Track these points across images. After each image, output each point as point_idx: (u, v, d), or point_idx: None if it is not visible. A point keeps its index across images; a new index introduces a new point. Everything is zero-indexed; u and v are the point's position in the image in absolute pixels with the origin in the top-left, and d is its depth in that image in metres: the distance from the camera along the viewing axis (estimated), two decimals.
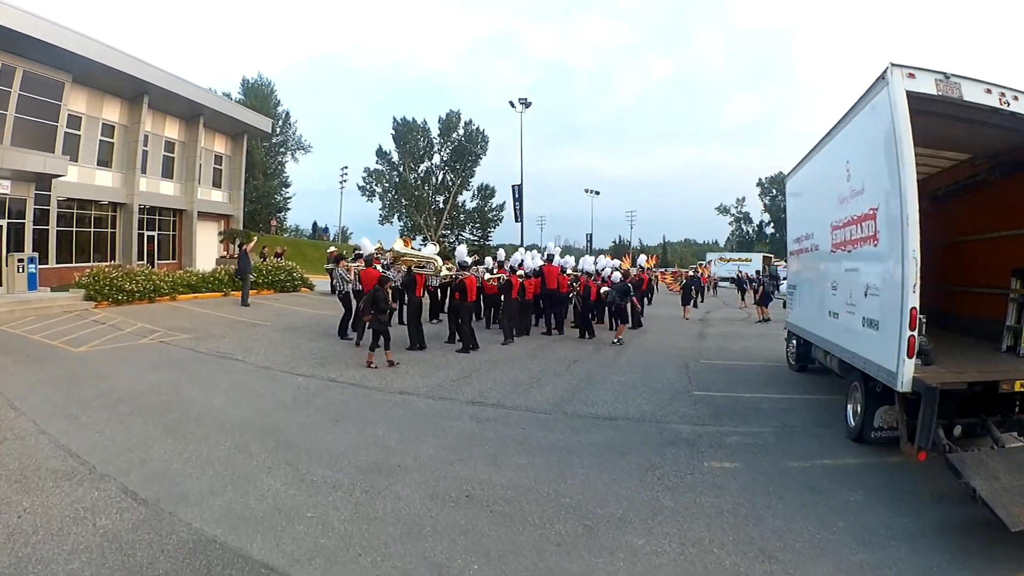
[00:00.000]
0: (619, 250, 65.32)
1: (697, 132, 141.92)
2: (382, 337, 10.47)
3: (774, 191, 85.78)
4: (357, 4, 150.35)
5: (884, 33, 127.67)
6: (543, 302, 15.82)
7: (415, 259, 13.61)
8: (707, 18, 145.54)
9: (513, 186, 51.87)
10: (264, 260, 24.67)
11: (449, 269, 15.12)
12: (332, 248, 28.09)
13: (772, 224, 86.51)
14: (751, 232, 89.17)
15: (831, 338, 8.14)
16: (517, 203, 51.09)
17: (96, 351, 10.94)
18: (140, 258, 26.47)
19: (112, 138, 25.17)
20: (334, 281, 16.00)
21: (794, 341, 11.02)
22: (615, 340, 14.07)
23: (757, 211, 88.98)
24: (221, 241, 29.21)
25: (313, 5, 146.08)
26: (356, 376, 9.69)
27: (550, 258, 16.42)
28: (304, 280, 24.21)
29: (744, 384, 10.23)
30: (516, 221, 51.57)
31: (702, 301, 28.38)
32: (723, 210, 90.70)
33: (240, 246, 19.13)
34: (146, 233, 27.37)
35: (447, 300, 15.18)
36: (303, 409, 7.70)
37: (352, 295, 13.28)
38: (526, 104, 46.22)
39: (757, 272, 36.86)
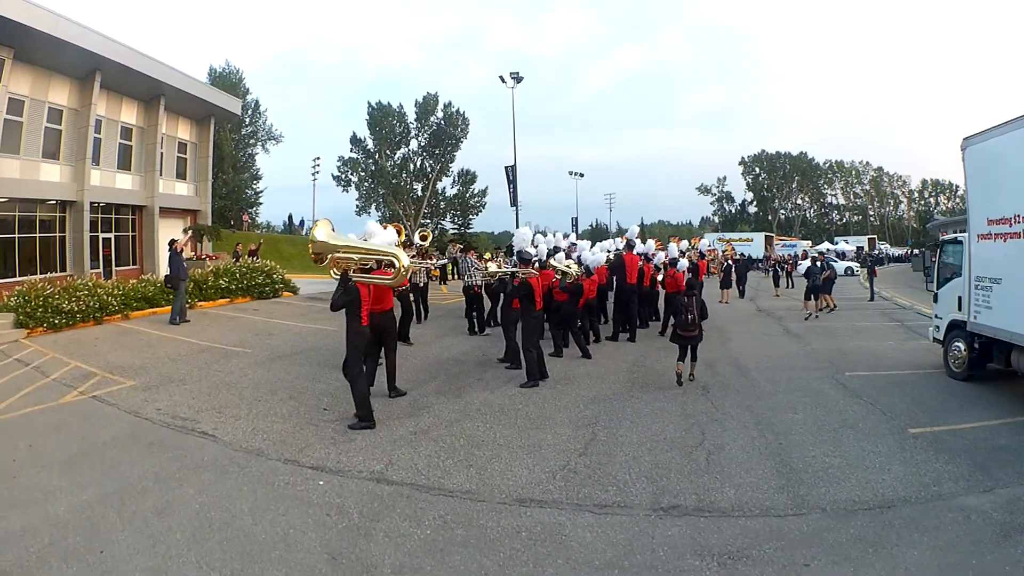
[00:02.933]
0: (597, 234, 61.98)
1: (666, 118, 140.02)
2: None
3: (756, 169, 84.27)
4: (316, 1, 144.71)
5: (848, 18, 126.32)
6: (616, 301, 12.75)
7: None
8: (673, 6, 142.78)
9: (506, 168, 47.68)
10: (237, 260, 20.34)
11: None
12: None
13: (754, 203, 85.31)
14: (733, 211, 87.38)
15: None
16: (511, 186, 47.16)
17: None
18: (95, 265, 22.26)
19: (60, 124, 20.78)
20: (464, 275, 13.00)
21: (959, 344, 9.02)
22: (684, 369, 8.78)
23: (738, 190, 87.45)
24: (187, 240, 24.60)
25: (273, 3, 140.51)
26: (419, 460, 5.86)
27: (630, 245, 12.87)
28: (286, 282, 19.75)
29: (939, 406, 7.77)
30: (511, 206, 47.51)
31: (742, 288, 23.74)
32: (704, 190, 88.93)
33: (171, 244, 14.44)
34: (101, 235, 23.02)
35: (499, 307, 11.72)
36: None
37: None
38: (517, 79, 42.46)
39: (792, 255, 32.68)
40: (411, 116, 62.81)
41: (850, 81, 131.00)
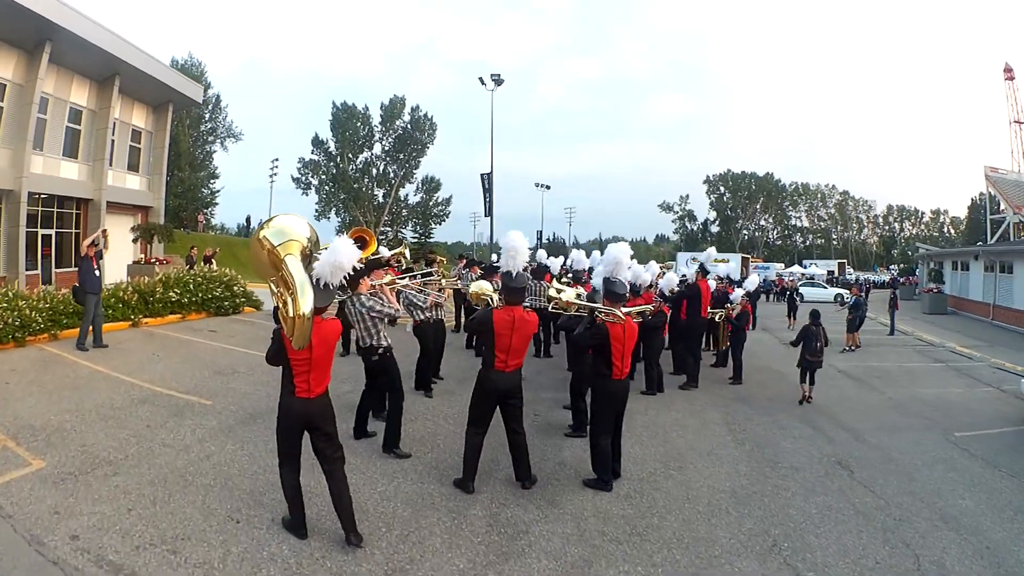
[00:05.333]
0: (554, 248, 60.05)
1: (628, 132, 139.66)
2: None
3: (721, 188, 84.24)
4: (275, 12, 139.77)
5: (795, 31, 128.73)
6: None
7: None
8: (627, 19, 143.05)
9: (482, 175, 45.52)
10: (191, 268, 17.05)
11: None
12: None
13: (717, 222, 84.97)
14: (695, 230, 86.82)
15: None
16: (487, 195, 45.00)
17: None
18: (32, 266, 19.17)
19: (1, 101, 17.67)
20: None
21: None
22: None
23: (701, 209, 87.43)
24: (136, 240, 21.34)
25: (234, 13, 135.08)
26: None
27: (704, 270, 10.79)
28: (247, 296, 16.22)
29: None
30: (486, 215, 45.52)
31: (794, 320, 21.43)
32: (666, 207, 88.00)
33: (83, 254, 10.92)
34: (40, 231, 19.69)
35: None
36: None
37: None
38: (498, 81, 40.56)
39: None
40: (376, 119, 60.46)
41: (818, 105, 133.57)
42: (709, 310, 10.77)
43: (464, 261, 14.03)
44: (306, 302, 3.82)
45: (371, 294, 6.31)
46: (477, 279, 9.66)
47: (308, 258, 4.07)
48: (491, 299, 5.90)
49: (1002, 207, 42.70)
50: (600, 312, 5.77)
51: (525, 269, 6.26)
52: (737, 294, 11.44)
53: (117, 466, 5.53)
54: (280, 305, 4.06)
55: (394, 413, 6.28)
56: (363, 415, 6.77)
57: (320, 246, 4.40)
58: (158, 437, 6.34)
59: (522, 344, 5.40)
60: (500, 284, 5.61)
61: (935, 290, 29.00)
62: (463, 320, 13.04)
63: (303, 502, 4.48)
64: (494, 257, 17.80)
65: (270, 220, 4.13)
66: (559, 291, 6.92)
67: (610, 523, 5.02)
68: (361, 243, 10.32)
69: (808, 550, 4.80)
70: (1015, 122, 44.51)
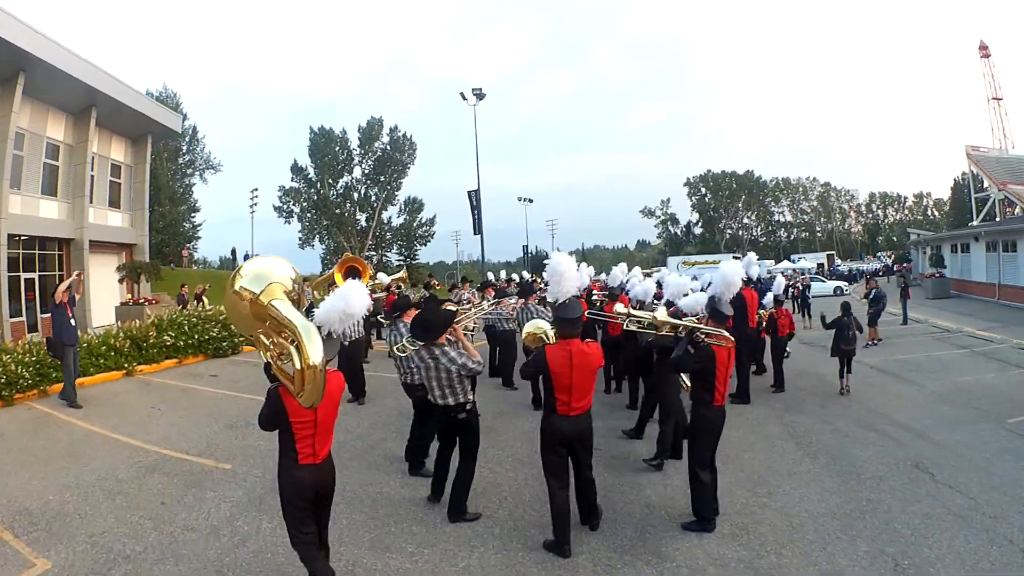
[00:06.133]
0: (537, 260, 59.60)
1: (606, 141, 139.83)
2: None
3: (702, 189, 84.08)
4: (248, 37, 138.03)
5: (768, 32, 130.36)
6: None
7: None
8: (601, 29, 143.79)
9: (469, 192, 45.10)
10: (183, 308, 16.23)
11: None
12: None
13: (700, 224, 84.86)
14: (679, 233, 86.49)
15: None
16: (475, 212, 44.50)
17: None
18: (16, 312, 18.24)
19: None
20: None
21: None
22: None
23: (683, 212, 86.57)
24: (121, 280, 20.26)
25: (209, 41, 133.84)
26: None
27: (750, 280, 10.24)
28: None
29: None
30: (475, 233, 44.94)
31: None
32: (648, 213, 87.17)
33: (57, 301, 9.52)
34: (23, 275, 18.91)
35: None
36: None
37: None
38: (480, 96, 40.25)
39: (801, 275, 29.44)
40: (355, 142, 59.55)
41: (795, 100, 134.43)
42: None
43: (492, 291, 12.83)
44: (315, 349, 3.10)
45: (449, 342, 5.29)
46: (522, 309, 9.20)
47: (296, 302, 3.39)
48: (547, 338, 5.30)
49: (986, 185, 42.92)
50: (703, 333, 5.21)
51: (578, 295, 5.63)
52: (768, 299, 11.06)
53: (137, 562, 4.56)
54: (275, 359, 3.42)
55: (467, 479, 5.34)
56: (420, 448, 6.43)
57: (304, 283, 3.81)
58: (178, 518, 5.34)
59: (586, 381, 4.69)
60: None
61: (937, 275, 28.83)
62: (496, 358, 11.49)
63: None
64: (514, 276, 17.00)
65: (241, 268, 3.47)
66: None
67: (730, 570, 4.46)
68: (355, 274, 9.67)
69: (927, 563, 4.53)
70: (993, 99, 44.87)
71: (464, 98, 40.02)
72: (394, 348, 6.22)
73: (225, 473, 6.47)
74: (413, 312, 6.50)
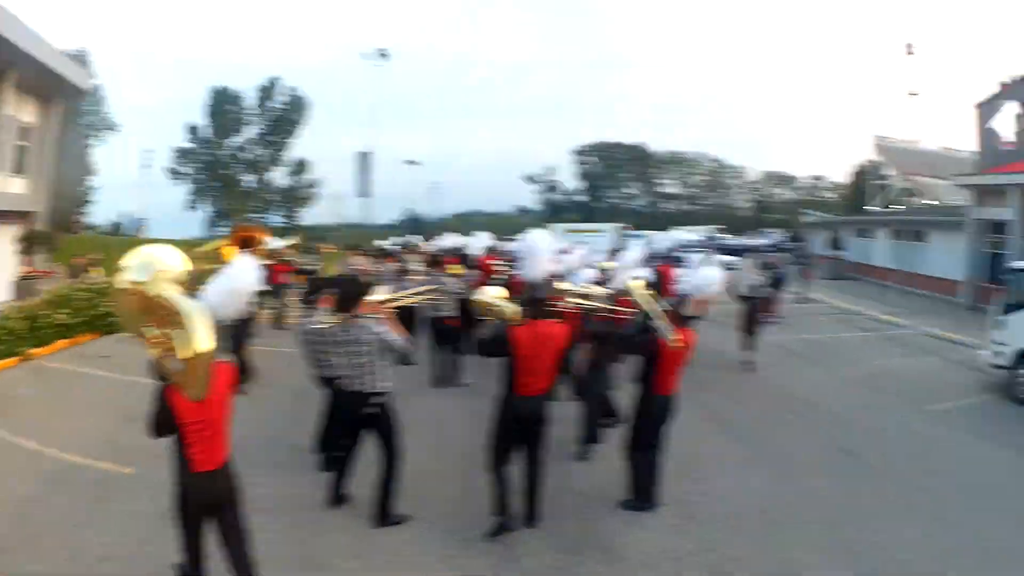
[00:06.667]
0: (417, 225, 58.75)
1: (493, 106, 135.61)
2: None
3: (591, 158, 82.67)
4: None
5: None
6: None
7: None
8: None
9: (359, 153, 44.29)
10: (76, 280, 14.46)
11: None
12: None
13: (585, 192, 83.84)
14: (562, 200, 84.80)
15: None
16: (364, 174, 43.70)
17: None
18: None
19: None
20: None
21: None
22: None
23: (569, 179, 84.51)
24: (20, 251, 18.44)
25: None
26: None
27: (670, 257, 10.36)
28: None
29: None
30: (362, 196, 44.47)
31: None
32: (531, 179, 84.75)
33: None
34: None
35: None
36: None
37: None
38: (383, 55, 39.89)
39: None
40: (252, 102, 57.38)
41: (692, 73, 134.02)
42: None
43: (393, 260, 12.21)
44: (203, 336, 2.90)
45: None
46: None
47: (184, 288, 3.15)
48: (504, 310, 4.94)
49: (889, 173, 45.57)
50: (660, 326, 5.00)
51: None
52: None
53: None
54: (161, 355, 3.11)
55: (393, 476, 4.85)
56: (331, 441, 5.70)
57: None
58: (91, 545, 4.52)
59: (551, 363, 4.64)
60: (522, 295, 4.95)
61: (836, 257, 30.19)
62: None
63: None
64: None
65: (125, 260, 3.15)
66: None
67: (685, 563, 4.43)
68: (249, 244, 8.89)
69: (883, 550, 4.64)
70: (910, 93, 47.71)
71: (367, 58, 40.50)
72: (309, 325, 5.61)
73: (128, 480, 5.68)
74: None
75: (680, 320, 5.10)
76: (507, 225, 51.46)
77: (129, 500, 5.26)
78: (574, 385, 6.95)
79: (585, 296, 6.30)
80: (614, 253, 12.22)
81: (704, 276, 6.70)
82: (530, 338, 4.51)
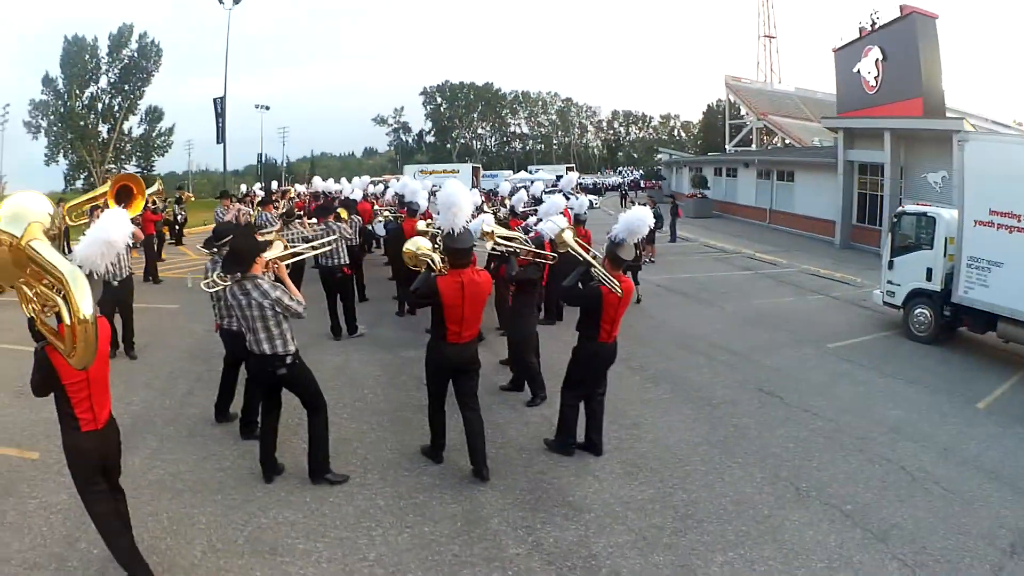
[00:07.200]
0: (270, 171, 58.12)
1: (340, 49, 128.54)
2: None
3: (438, 99, 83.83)
4: None
5: None
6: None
7: None
8: None
9: (215, 99, 42.60)
10: None
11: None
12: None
13: (433, 133, 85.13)
14: (410, 142, 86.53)
15: None
16: (220, 120, 41.59)
17: None
18: None
19: None
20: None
21: (924, 311, 9.63)
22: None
23: (417, 120, 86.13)
24: None
25: None
26: None
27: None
28: None
29: (965, 374, 8.18)
30: (218, 142, 42.81)
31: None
32: (380, 121, 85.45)
33: None
34: None
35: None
36: None
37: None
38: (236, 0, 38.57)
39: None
40: (104, 50, 54.14)
41: (540, 10, 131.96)
42: None
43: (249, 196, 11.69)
44: (85, 301, 2.66)
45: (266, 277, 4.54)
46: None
47: (55, 239, 2.91)
48: (432, 260, 4.98)
49: (743, 113, 48.05)
50: (599, 275, 5.03)
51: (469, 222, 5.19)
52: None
53: None
54: (39, 313, 2.99)
55: (321, 433, 4.71)
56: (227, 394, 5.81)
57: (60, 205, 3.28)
58: (10, 552, 3.85)
59: (477, 311, 4.80)
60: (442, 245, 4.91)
61: (700, 195, 31.34)
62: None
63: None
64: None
65: None
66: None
67: (648, 511, 4.51)
68: (127, 195, 7.90)
69: (823, 485, 4.90)
70: (766, 36, 50.11)
71: (220, 1, 38.79)
72: (202, 284, 5.48)
73: (35, 466, 4.92)
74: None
75: (617, 266, 5.11)
76: (357, 168, 49.76)
77: (40, 491, 4.57)
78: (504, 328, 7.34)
79: (510, 239, 6.51)
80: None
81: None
82: (455, 288, 4.59)
